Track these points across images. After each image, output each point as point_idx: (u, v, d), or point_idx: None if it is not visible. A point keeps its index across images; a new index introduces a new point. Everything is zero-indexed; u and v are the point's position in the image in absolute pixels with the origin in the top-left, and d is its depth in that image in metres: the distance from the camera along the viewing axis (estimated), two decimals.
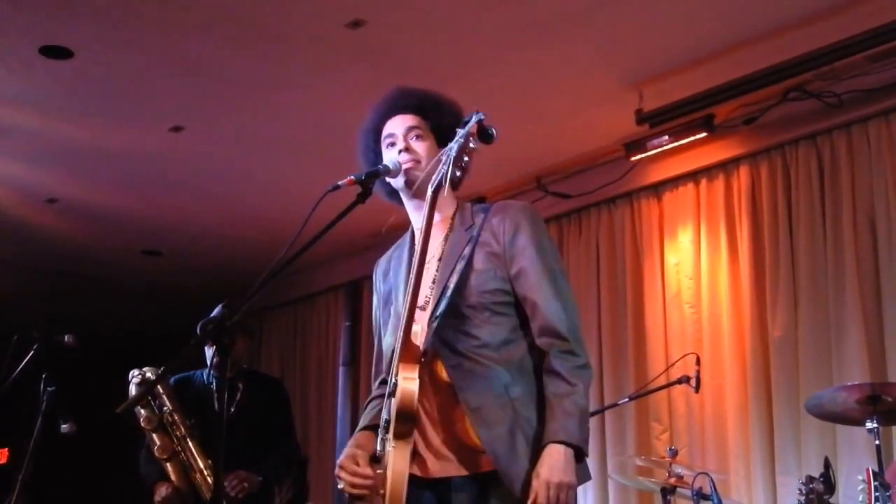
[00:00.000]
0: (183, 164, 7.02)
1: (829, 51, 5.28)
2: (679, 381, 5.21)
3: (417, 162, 3.02)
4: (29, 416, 4.70)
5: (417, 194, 3.04)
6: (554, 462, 2.75)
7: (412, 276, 2.77)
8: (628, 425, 6.39)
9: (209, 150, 6.82)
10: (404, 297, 2.85)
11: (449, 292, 2.83)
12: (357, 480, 2.77)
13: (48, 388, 4.71)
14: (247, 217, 7.93)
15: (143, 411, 4.88)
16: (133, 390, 4.93)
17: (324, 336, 9.08)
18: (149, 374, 4.96)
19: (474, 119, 2.89)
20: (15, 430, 5.01)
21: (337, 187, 3.00)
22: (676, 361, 5.55)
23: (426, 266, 2.86)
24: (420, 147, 3.05)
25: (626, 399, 5.67)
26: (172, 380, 5.18)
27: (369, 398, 3.16)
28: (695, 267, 6.28)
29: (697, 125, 6.04)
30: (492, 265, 2.89)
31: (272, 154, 6.81)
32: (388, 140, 3.09)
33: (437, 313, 2.82)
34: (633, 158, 6.43)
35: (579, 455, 2.86)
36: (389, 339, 3.00)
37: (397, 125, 3.11)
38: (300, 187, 5.88)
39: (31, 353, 4.79)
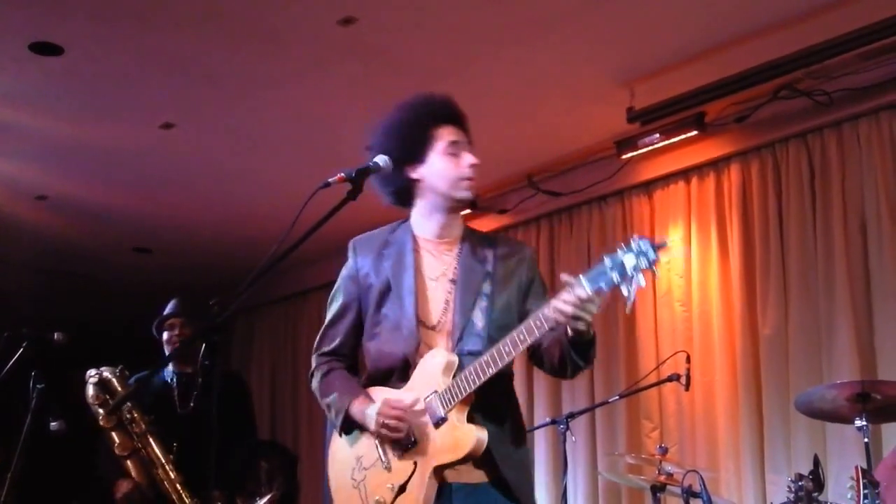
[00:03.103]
0: (173, 160, 7.01)
1: (820, 49, 5.29)
2: (669, 379, 5.21)
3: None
4: (18, 414, 4.68)
5: (454, 209, 3.11)
6: None
7: (415, 289, 3.00)
8: (619, 423, 6.39)
9: (200, 146, 6.81)
10: (414, 311, 3.00)
11: (477, 330, 2.96)
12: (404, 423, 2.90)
13: (38, 386, 4.69)
14: (237, 214, 7.92)
15: (101, 410, 4.87)
16: (90, 390, 4.92)
17: (315, 333, 8.99)
18: (106, 373, 4.95)
19: None
20: (4, 427, 5.00)
21: (328, 184, 3.01)
22: (667, 359, 5.56)
23: (434, 282, 3.01)
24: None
25: (617, 397, 5.68)
26: (132, 378, 5.17)
27: (327, 369, 3.20)
28: (685, 265, 6.29)
29: (688, 123, 6.06)
30: (511, 305, 3.02)
31: (263, 151, 6.80)
32: (453, 148, 3.08)
33: (466, 349, 2.94)
34: (624, 156, 6.44)
35: None
36: (391, 346, 3.04)
37: (461, 135, 3.12)
38: (291, 184, 5.87)
39: (21, 350, 4.78)
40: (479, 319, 2.97)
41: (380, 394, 3.03)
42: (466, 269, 3.03)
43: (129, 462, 4.86)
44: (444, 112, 3.15)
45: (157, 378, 5.26)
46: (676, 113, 5.95)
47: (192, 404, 5.11)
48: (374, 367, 3.12)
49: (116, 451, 4.85)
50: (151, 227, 8.32)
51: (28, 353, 4.78)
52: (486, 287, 3.00)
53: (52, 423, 4.86)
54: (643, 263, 2.67)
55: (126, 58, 5.65)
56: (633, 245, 2.69)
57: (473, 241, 3.12)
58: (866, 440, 4.19)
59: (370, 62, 5.67)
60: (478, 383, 2.84)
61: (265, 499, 5.25)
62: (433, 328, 3.01)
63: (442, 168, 3.06)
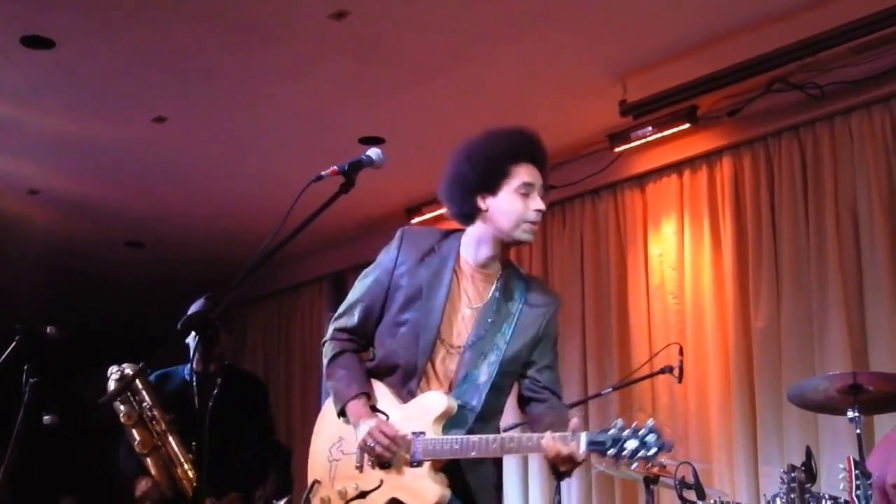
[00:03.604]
0: (166, 155, 7.00)
1: (813, 42, 5.30)
2: (662, 371, 5.23)
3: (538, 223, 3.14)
4: (11, 409, 4.68)
5: (507, 246, 3.16)
6: None
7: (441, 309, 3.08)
8: (612, 415, 6.37)
9: (192, 140, 6.80)
10: (437, 326, 3.08)
11: (480, 382, 3.02)
12: (390, 451, 2.98)
13: (31, 380, 4.69)
14: (230, 208, 7.91)
15: (122, 407, 4.87)
16: (112, 386, 4.91)
17: (308, 327, 9.07)
18: (128, 370, 4.95)
19: None
20: None
21: (320, 178, 3.01)
22: (660, 352, 5.57)
23: (466, 307, 3.10)
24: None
25: (610, 389, 5.69)
26: (153, 375, 5.17)
27: (340, 349, 3.24)
28: (678, 258, 6.30)
29: (681, 116, 6.07)
30: (521, 355, 3.09)
31: (255, 145, 6.80)
32: (525, 188, 3.10)
33: (464, 400, 3.01)
34: (616, 150, 6.45)
35: None
36: (405, 350, 3.11)
37: (537, 177, 3.15)
38: (283, 178, 5.88)
39: (13, 345, 4.77)
40: (485, 370, 3.04)
41: (381, 393, 3.12)
42: (496, 307, 3.09)
43: (148, 460, 4.86)
44: (527, 150, 3.19)
45: (176, 375, 5.25)
46: (669, 106, 5.96)
47: (210, 403, 5.09)
48: (382, 361, 3.17)
49: (137, 449, 4.84)
50: (144, 221, 8.31)
51: (21, 347, 4.77)
52: (507, 330, 3.06)
53: (46, 418, 4.86)
54: (641, 454, 2.72)
55: (118, 51, 5.64)
56: (643, 432, 2.73)
57: (511, 278, 3.17)
58: (858, 431, 4.20)
59: (362, 56, 5.67)
60: (456, 457, 2.95)
61: (258, 493, 5.26)
62: (450, 349, 3.09)
63: (509, 206, 3.09)
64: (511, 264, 3.22)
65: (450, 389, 3.05)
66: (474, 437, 2.92)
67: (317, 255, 8.44)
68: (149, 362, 5.16)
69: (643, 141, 6.27)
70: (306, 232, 2.94)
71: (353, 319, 3.23)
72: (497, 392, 3.07)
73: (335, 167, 3.01)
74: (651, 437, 2.70)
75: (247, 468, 5.05)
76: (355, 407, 3.08)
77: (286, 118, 6.45)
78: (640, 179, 6.63)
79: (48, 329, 4.80)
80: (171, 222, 8.30)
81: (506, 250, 3.19)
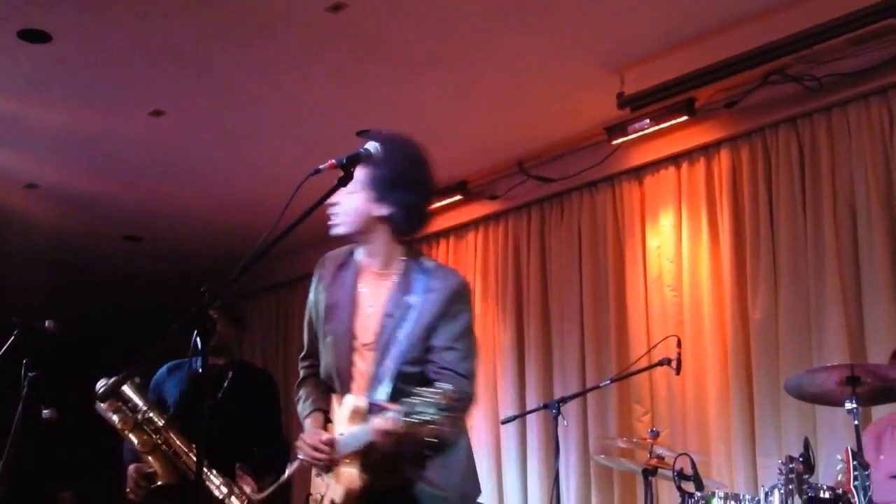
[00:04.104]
0: (163, 148, 7.00)
1: (810, 34, 5.30)
2: (660, 364, 5.24)
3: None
4: (10, 403, 4.68)
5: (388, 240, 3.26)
6: None
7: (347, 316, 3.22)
8: (610, 407, 6.41)
9: (189, 134, 6.80)
10: (343, 334, 3.22)
11: (385, 380, 3.10)
12: (319, 455, 3.14)
13: (29, 374, 4.69)
14: (228, 202, 7.91)
15: (114, 417, 4.84)
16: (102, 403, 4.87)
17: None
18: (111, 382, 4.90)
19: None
20: None
21: (318, 171, 3.01)
22: (658, 344, 5.58)
23: (368, 311, 3.20)
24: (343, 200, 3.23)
25: (608, 381, 5.71)
26: (166, 366, 5.19)
27: (302, 376, 3.46)
28: (676, 250, 6.31)
29: (678, 109, 6.07)
30: (420, 343, 3.12)
31: (253, 138, 6.79)
32: None
33: (373, 398, 3.10)
34: (614, 142, 6.45)
35: None
36: (332, 360, 3.25)
37: None
38: (281, 171, 5.87)
39: (12, 339, 4.77)
40: (388, 365, 3.11)
41: (333, 404, 3.29)
42: (395, 302, 3.17)
43: (151, 458, 4.85)
44: None
45: (189, 368, 5.24)
46: (666, 98, 5.96)
47: (220, 395, 5.09)
48: (325, 374, 3.32)
49: (139, 449, 4.84)
50: (142, 215, 8.31)
51: (19, 341, 4.77)
52: (405, 323, 3.13)
53: (45, 412, 4.85)
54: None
55: (115, 45, 5.64)
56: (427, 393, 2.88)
57: (410, 272, 3.22)
58: (856, 422, 4.21)
59: (360, 49, 5.67)
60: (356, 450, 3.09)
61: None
62: (363, 350, 3.19)
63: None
64: (416, 258, 3.27)
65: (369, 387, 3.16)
66: (354, 428, 3.08)
67: (315, 248, 8.38)
68: (147, 356, 5.16)
69: (641, 133, 6.27)
70: (304, 225, 2.94)
71: (305, 347, 3.45)
72: (408, 382, 3.07)
73: (333, 160, 3.01)
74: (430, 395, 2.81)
75: (259, 463, 5.05)
76: (307, 423, 3.31)
77: (284, 111, 6.45)
78: (638, 172, 6.63)
79: (46, 323, 4.80)
80: (169, 216, 8.30)
81: (394, 247, 3.25)
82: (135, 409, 4.82)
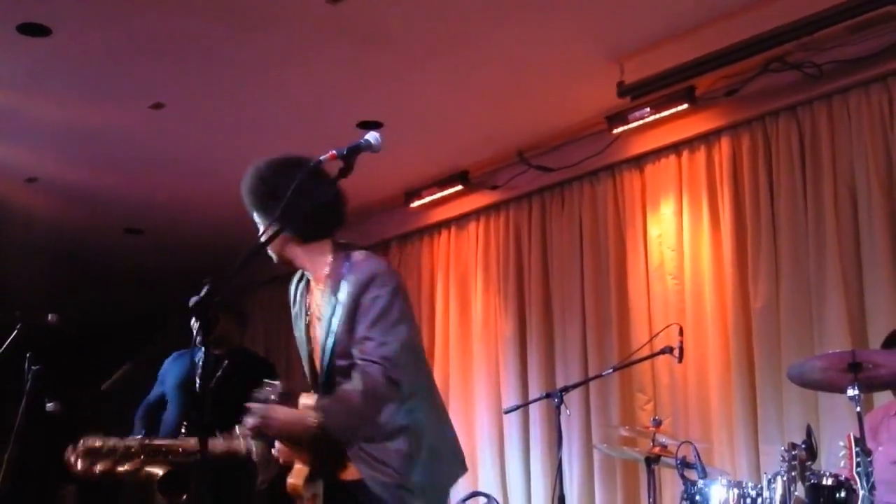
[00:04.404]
0: (164, 141, 6.99)
1: (810, 21, 5.29)
2: (662, 352, 5.25)
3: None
4: (14, 396, 4.69)
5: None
6: None
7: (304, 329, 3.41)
8: (612, 396, 6.42)
9: (190, 127, 6.79)
10: (303, 343, 3.42)
11: (326, 362, 3.25)
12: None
13: (33, 368, 4.69)
14: (229, 194, 7.78)
15: (95, 467, 4.77)
16: (79, 466, 4.82)
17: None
18: (86, 445, 4.83)
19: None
20: (0, 409, 5.00)
21: (319, 162, 3.03)
22: (660, 332, 5.59)
23: (318, 322, 3.32)
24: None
25: (611, 370, 5.71)
26: (172, 355, 5.24)
27: None
28: (677, 238, 6.31)
29: (679, 97, 6.07)
30: (344, 332, 3.21)
31: (253, 130, 6.78)
32: None
33: (320, 381, 3.28)
34: (615, 131, 6.45)
35: None
36: (303, 365, 3.43)
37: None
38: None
39: (15, 333, 4.77)
40: (324, 365, 3.26)
41: None
42: (327, 304, 3.27)
43: (153, 467, 4.85)
44: None
45: (187, 357, 5.28)
46: (667, 87, 5.95)
47: (212, 383, 5.10)
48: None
49: (137, 475, 4.84)
50: (143, 207, 8.31)
51: (22, 335, 4.78)
52: (333, 320, 3.23)
53: (48, 405, 4.86)
54: None
55: (114, 38, 5.63)
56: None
57: (338, 272, 3.29)
58: (858, 409, 4.21)
59: (360, 41, 5.66)
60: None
61: (260, 478, 5.26)
62: (317, 354, 3.33)
63: None
64: (345, 255, 3.32)
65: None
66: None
67: None
68: (148, 348, 5.16)
69: (641, 122, 6.28)
70: None
71: None
72: (342, 375, 3.19)
73: (334, 151, 3.03)
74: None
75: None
76: None
77: (284, 103, 6.44)
78: (639, 161, 6.63)
79: (49, 317, 4.81)
80: (170, 209, 8.30)
81: (317, 253, 3.35)
82: (109, 450, 4.77)
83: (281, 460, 3.31)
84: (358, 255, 3.31)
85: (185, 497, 4.76)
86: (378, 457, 3.13)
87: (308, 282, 3.43)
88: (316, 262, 3.33)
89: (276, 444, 3.30)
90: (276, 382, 3.26)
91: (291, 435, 3.18)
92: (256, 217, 3.39)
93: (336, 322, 3.20)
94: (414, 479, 3.14)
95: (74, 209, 8.24)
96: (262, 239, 3.12)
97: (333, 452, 3.17)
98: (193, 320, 5.07)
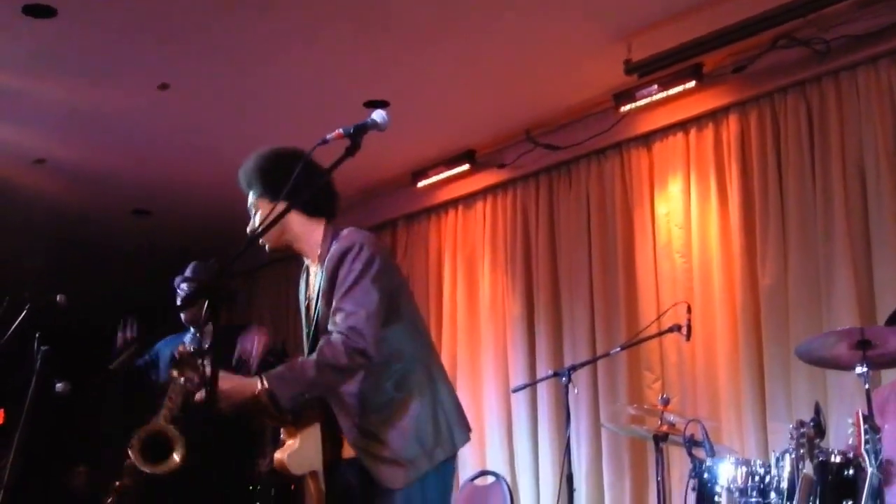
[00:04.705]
0: (171, 122, 6.99)
1: None
2: (670, 330, 5.25)
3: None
4: (23, 377, 4.71)
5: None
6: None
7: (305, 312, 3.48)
8: (620, 375, 6.42)
9: (197, 107, 6.78)
10: (304, 324, 3.49)
11: (312, 338, 3.33)
12: None
13: (42, 349, 4.71)
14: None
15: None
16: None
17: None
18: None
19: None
20: (10, 391, 5.02)
21: (326, 141, 3.03)
22: (667, 310, 5.59)
23: (312, 303, 3.39)
24: (258, 220, 3.46)
25: (618, 349, 5.71)
26: (161, 342, 5.23)
27: None
28: (685, 216, 6.30)
29: (686, 74, 6.05)
30: (325, 307, 3.27)
31: (260, 110, 6.78)
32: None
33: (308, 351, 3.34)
34: (622, 109, 6.43)
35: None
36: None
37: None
38: (289, 143, 5.84)
39: (24, 314, 4.79)
40: (310, 341, 3.33)
41: None
42: (318, 283, 3.34)
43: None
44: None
45: (179, 340, 5.29)
46: (674, 64, 5.93)
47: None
48: None
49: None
50: (151, 188, 8.31)
51: (30, 316, 4.79)
52: (319, 298, 3.30)
53: (58, 385, 4.88)
54: None
55: (120, 19, 5.62)
56: None
57: (325, 252, 3.34)
58: (867, 386, 4.21)
59: (367, 20, 5.64)
60: None
61: (269, 458, 5.28)
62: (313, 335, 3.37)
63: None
64: (336, 234, 3.36)
65: None
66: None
67: None
68: (157, 329, 5.18)
69: (649, 100, 6.26)
70: None
71: None
72: None
73: (340, 130, 3.03)
74: None
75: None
76: None
77: (291, 83, 6.43)
78: (646, 138, 6.61)
79: (58, 298, 4.82)
80: (178, 189, 8.30)
81: (313, 234, 3.41)
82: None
83: (282, 436, 3.31)
84: (344, 232, 3.35)
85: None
86: (368, 428, 3.16)
87: (308, 268, 3.49)
88: (313, 244, 3.37)
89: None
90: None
91: (236, 404, 3.12)
92: (256, 198, 3.47)
93: (320, 298, 3.27)
94: (404, 452, 3.15)
95: (82, 190, 8.25)
96: (272, 218, 3.12)
97: (335, 427, 3.17)
98: (183, 300, 5.12)
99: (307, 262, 3.47)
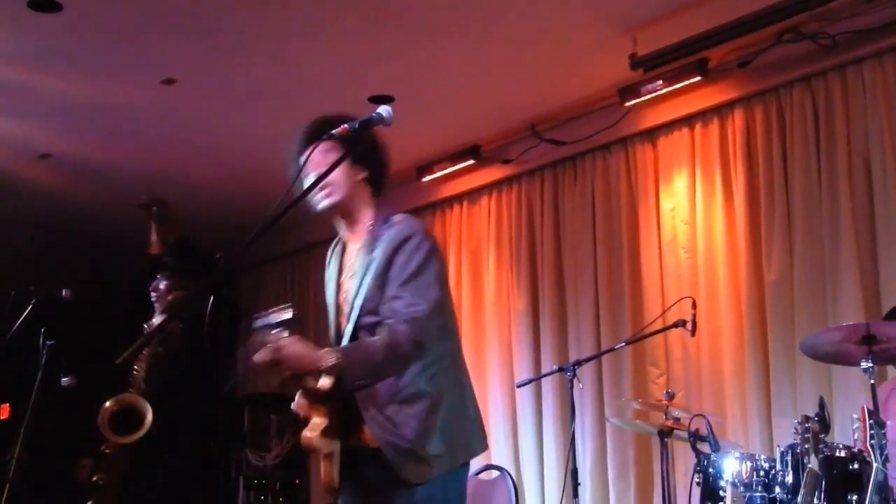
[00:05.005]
0: (175, 116, 6.99)
1: None
2: (675, 325, 5.24)
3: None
4: (29, 371, 4.71)
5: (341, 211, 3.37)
6: None
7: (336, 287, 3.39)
8: (625, 370, 6.43)
9: (202, 102, 6.79)
10: (332, 302, 3.40)
11: (354, 318, 3.20)
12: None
13: (47, 343, 4.72)
14: (241, 169, 7.90)
15: None
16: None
17: (320, 288, 9.06)
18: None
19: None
20: (16, 385, 5.03)
21: (331, 136, 3.03)
22: (672, 305, 5.58)
23: (347, 274, 3.32)
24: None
25: (623, 343, 5.71)
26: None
27: None
28: (690, 212, 6.29)
29: (691, 69, 6.04)
30: (376, 289, 3.18)
31: (265, 105, 6.78)
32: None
33: (346, 337, 3.22)
34: (627, 104, 6.42)
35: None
36: (328, 326, 3.40)
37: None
38: (295, 138, 5.86)
39: (29, 308, 4.79)
40: (351, 321, 3.22)
41: None
42: (361, 262, 3.26)
43: None
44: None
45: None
46: (679, 59, 5.92)
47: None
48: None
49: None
50: (155, 183, 8.30)
51: (36, 310, 4.80)
52: (366, 278, 3.21)
53: (63, 380, 4.89)
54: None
55: (125, 13, 5.62)
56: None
57: (377, 231, 3.28)
58: (872, 381, 4.22)
59: (371, 14, 5.64)
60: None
61: (274, 451, 5.29)
62: (344, 314, 3.30)
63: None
64: (385, 216, 3.31)
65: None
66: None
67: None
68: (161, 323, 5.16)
69: (654, 95, 6.25)
70: None
71: None
72: (368, 332, 3.17)
73: (345, 125, 3.02)
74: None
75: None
76: None
77: (296, 78, 6.43)
78: (651, 133, 6.60)
79: (63, 292, 4.82)
80: (183, 184, 8.29)
81: (347, 215, 3.35)
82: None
83: (301, 415, 3.24)
84: (398, 217, 3.31)
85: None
86: (395, 419, 3.10)
87: (344, 244, 3.42)
88: (363, 221, 3.31)
89: (297, 397, 3.18)
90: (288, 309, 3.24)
91: (301, 371, 3.06)
92: (337, 158, 3.21)
93: (368, 279, 3.18)
94: (429, 448, 3.11)
95: (87, 185, 8.25)
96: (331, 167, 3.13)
97: (352, 412, 3.14)
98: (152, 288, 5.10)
99: (344, 237, 3.41)
